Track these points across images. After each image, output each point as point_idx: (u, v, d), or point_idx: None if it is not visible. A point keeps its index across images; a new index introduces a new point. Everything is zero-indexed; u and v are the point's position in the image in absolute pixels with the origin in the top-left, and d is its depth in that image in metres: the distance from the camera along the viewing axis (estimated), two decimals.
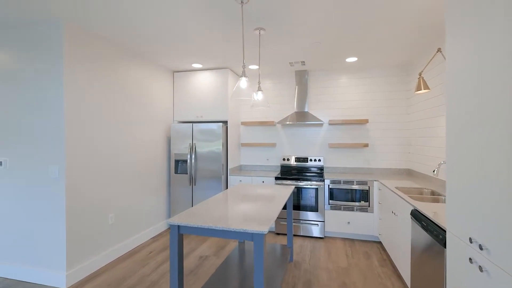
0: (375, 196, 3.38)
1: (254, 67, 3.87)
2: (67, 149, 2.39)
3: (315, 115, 4.15)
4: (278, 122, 3.87)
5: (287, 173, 4.01)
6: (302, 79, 4.05)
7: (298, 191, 3.62)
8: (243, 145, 4.31)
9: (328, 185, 3.53)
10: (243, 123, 4.24)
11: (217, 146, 3.75)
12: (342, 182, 3.48)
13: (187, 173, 3.86)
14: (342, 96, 4.06)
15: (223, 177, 3.80)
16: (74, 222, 2.45)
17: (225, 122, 4.18)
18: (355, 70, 3.99)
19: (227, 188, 3.94)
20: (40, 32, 2.40)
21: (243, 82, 2.15)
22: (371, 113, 3.95)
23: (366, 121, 3.75)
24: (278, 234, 3.73)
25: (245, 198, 2.27)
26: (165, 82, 3.91)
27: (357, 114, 4.00)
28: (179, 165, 3.89)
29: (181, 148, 3.88)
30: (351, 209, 3.45)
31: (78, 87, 2.51)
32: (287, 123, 3.81)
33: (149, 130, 3.58)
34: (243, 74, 2.15)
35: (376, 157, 3.92)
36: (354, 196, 3.44)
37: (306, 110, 4.00)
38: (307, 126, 4.19)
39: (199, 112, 4.02)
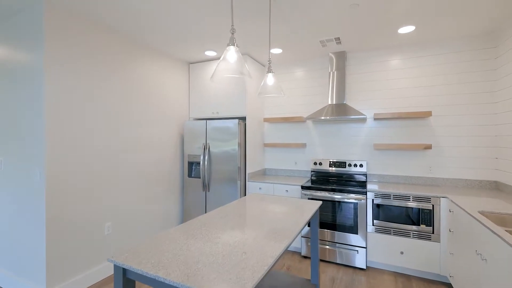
0: (443, 219, 2.40)
1: (277, 50, 3.20)
2: (48, 149, 2.09)
3: (355, 108, 3.28)
4: (308, 118, 3.12)
5: (318, 181, 3.24)
6: (338, 63, 3.22)
7: (333, 205, 2.83)
8: (267, 145, 3.67)
9: (373, 200, 2.66)
10: (266, 120, 3.60)
11: (233, 147, 3.19)
12: (392, 196, 2.58)
13: (200, 177, 3.39)
14: (392, 83, 3.11)
15: (240, 182, 3.22)
16: (57, 233, 2.15)
17: (243, 119, 3.60)
18: (411, 46, 3.01)
19: (245, 195, 3.35)
20: (22, 20, 2.16)
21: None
22: (436, 103, 2.91)
23: (429, 114, 2.75)
24: (305, 257, 2.99)
25: (244, 222, 1.64)
26: (179, 76, 3.51)
27: (414, 105, 3.01)
28: (193, 167, 3.45)
29: (194, 149, 3.44)
30: (405, 234, 2.53)
31: (64, 82, 2.20)
32: (321, 118, 3.04)
33: (160, 128, 3.20)
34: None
35: (444, 163, 2.87)
36: (411, 217, 2.51)
37: (344, 102, 3.17)
38: (345, 122, 3.35)
39: (215, 107, 3.52)
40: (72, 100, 2.26)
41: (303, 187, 2.97)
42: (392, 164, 3.09)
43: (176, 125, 3.48)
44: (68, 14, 2.22)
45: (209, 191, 3.34)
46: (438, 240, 2.41)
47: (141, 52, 2.94)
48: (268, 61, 2.13)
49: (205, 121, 3.35)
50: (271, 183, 3.17)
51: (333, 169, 3.32)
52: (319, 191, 2.88)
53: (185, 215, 3.49)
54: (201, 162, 3.31)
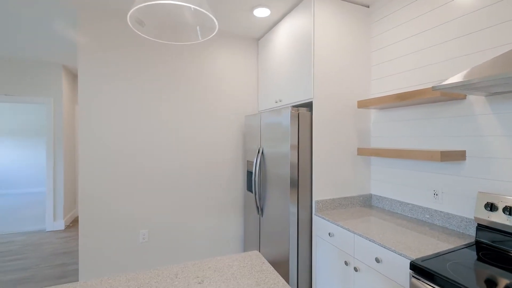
0: None
1: None
2: (81, 151, 2.15)
3: None
4: (477, 89, 1.19)
5: (487, 259, 1.17)
6: None
7: None
8: (373, 152, 1.93)
9: None
10: (368, 103, 1.89)
11: (284, 150, 1.94)
12: None
13: (252, 192, 2.42)
14: None
15: (293, 211, 1.89)
16: (89, 233, 2.17)
17: (309, 105, 2.09)
18: None
19: (310, 236, 1.94)
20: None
21: None
22: None
23: None
24: None
25: None
26: (243, 59, 2.73)
27: None
28: (250, 178, 2.55)
29: (251, 153, 2.52)
30: None
31: (98, 83, 2.20)
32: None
33: (218, 127, 2.62)
34: None
35: None
36: None
37: None
38: None
39: (277, 94, 2.37)
40: (105, 103, 2.22)
41: (418, 269, 1.16)
42: None
43: (238, 122, 2.73)
44: (102, 13, 2.19)
45: (262, 215, 2.29)
46: None
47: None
48: None
49: (259, 114, 2.33)
50: (350, 231, 1.56)
51: None
52: None
53: (245, 240, 2.65)
54: (253, 173, 2.32)
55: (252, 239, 2.47)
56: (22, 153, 6.03)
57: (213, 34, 0.91)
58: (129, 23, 0.76)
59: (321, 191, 1.92)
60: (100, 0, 2.00)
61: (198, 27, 0.90)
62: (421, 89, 1.47)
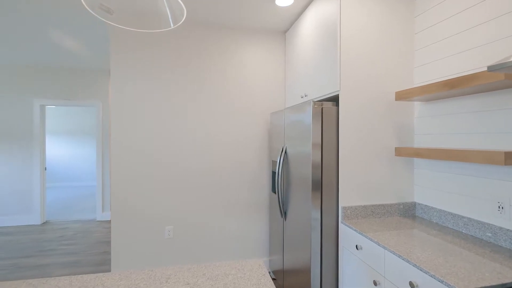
0: None
1: None
2: (113, 148, 2.30)
3: None
4: None
5: None
6: None
7: None
8: (418, 153, 1.61)
9: None
10: (410, 94, 1.59)
11: (306, 149, 1.75)
12: None
13: (275, 193, 2.28)
14: None
15: (316, 216, 1.69)
16: (120, 226, 2.31)
17: (336, 99, 1.82)
18: None
19: (336, 248, 1.72)
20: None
21: None
22: None
23: None
24: None
25: None
26: (269, 52, 2.60)
27: None
28: (274, 179, 2.41)
29: (276, 153, 2.38)
30: None
31: (129, 83, 2.33)
32: None
33: (242, 125, 2.56)
34: None
35: None
36: None
37: None
38: None
39: (303, 87, 2.19)
40: (134, 104, 2.34)
41: None
42: None
43: (264, 121, 2.62)
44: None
45: (285, 219, 2.13)
46: None
47: (221, 35, 2.48)
48: None
49: (283, 111, 2.18)
50: (380, 245, 1.32)
51: None
52: None
53: (271, 243, 2.52)
54: (277, 174, 2.17)
55: (277, 244, 2.32)
56: (78, 150, 6.93)
57: (182, 21, 0.83)
58: (90, 10, 0.71)
59: (349, 196, 1.68)
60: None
61: (169, 13, 0.83)
62: (474, 73, 1.15)
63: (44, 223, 4.00)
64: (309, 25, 2.06)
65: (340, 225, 1.67)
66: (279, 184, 2.10)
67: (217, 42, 2.47)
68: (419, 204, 1.74)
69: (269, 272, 2.57)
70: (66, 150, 6.90)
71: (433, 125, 1.64)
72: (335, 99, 1.83)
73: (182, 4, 0.75)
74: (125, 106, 2.31)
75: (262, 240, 2.60)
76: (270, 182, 2.57)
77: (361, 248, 1.46)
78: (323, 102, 1.69)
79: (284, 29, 2.53)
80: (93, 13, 0.79)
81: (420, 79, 1.72)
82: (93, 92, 4.05)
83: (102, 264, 2.79)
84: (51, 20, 2.35)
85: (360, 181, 1.69)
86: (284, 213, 2.14)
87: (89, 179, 7.04)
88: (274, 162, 2.41)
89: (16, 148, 3.79)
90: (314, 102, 1.65)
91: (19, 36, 2.73)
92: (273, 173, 2.42)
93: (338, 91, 1.67)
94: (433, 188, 1.65)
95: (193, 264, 0.99)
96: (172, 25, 0.85)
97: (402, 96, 1.59)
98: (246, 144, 2.55)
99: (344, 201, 1.67)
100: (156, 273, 0.99)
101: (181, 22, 0.84)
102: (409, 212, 1.76)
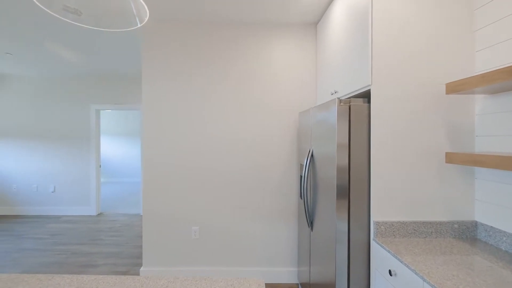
0: None
1: None
2: (144, 149, 2.42)
3: None
4: None
5: None
6: None
7: None
8: (475, 161, 1.26)
9: None
10: (457, 86, 1.26)
11: (330, 151, 1.55)
12: None
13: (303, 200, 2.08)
14: None
15: (342, 229, 1.47)
16: (150, 224, 2.41)
17: (367, 95, 1.52)
18: None
19: (368, 268, 1.48)
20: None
21: None
22: None
23: None
24: None
25: None
26: (299, 47, 2.42)
27: None
28: (301, 183, 2.22)
29: (302, 155, 2.19)
30: None
31: (157, 84, 2.42)
32: None
33: (268, 126, 2.44)
34: None
35: None
36: None
37: None
38: None
39: (333, 84, 1.96)
40: (163, 107, 2.42)
41: None
42: None
43: (292, 121, 2.45)
44: (163, 22, 2.40)
45: (312, 229, 1.93)
46: None
47: (249, 33, 2.43)
48: None
49: (310, 110, 1.98)
50: (418, 275, 1.05)
51: None
52: None
53: (299, 253, 2.34)
54: (303, 178, 1.98)
55: (305, 254, 2.13)
56: (129, 149, 7.69)
57: (146, 20, 0.76)
58: (52, 13, 0.68)
59: (383, 209, 1.41)
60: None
61: (135, 12, 0.76)
62: None
63: (99, 214, 4.50)
64: (339, 12, 1.83)
65: (372, 243, 1.42)
66: (305, 189, 1.91)
67: (244, 40, 2.40)
68: (481, 224, 1.37)
69: (298, 285, 2.39)
70: (119, 149, 7.74)
71: (499, 125, 1.27)
72: (367, 95, 1.58)
73: (144, 4, 0.68)
74: (155, 108, 2.40)
75: (291, 249, 2.43)
76: (299, 187, 2.39)
77: (395, 274, 1.20)
78: (352, 99, 1.46)
79: (315, 20, 2.33)
80: (59, 16, 0.77)
81: (485, 66, 1.36)
82: (138, 96, 4.41)
83: (139, 257, 2.97)
84: (104, 33, 2.59)
85: (398, 191, 1.41)
86: (310, 222, 1.94)
87: (139, 175, 7.76)
88: (301, 166, 2.22)
89: (75, 148, 4.35)
90: (340, 100, 1.44)
91: (91, 49, 3.09)
92: (301, 177, 2.23)
93: (370, 85, 1.42)
94: (502, 205, 1.27)
95: (190, 277, 0.92)
96: (138, 23, 0.80)
97: (456, 88, 1.27)
98: (273, 146, 2.42)
99: (378, 214, 1.41)
100: (152, 282, 0.94)
101: (145, 21, 0.80)
102: (467, 233, 1.40)
